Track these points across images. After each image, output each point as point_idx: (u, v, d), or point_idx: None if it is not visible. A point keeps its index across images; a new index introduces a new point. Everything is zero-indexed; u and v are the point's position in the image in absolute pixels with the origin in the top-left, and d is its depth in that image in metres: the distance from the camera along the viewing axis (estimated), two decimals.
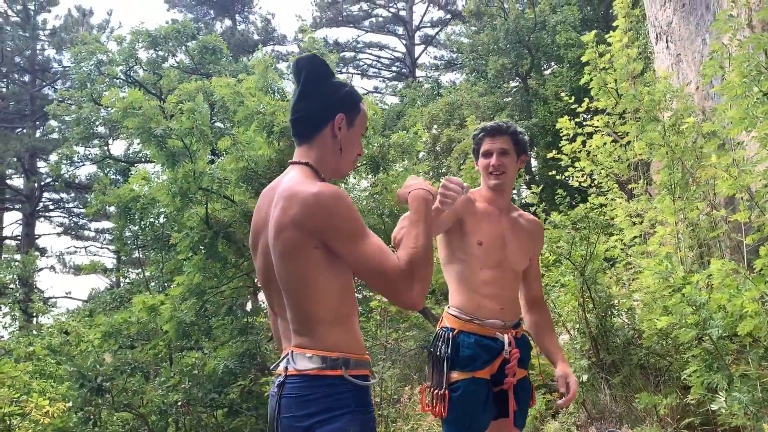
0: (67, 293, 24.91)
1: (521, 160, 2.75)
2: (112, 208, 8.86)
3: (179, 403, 6.21)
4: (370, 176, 7.71)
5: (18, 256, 18.04)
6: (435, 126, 18.63)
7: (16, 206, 23.30)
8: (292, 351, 1.70)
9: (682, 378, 4.30)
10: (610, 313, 5.15)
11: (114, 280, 19.79)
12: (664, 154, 5.58)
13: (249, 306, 8.54)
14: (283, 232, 1.66)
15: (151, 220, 7.97)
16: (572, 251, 5.04)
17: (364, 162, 7.31)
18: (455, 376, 2.52)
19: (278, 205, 1.70)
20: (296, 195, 1.65)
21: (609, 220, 6.35)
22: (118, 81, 13.39)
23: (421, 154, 19.52)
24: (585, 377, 4.88)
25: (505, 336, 2.59)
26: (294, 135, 1.87)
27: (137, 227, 8.35)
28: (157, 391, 6.37)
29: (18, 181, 24.24)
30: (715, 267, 3.61)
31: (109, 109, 8.27)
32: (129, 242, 9.63)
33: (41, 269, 23.00)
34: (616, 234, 6.76)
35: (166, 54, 13.38)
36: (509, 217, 2.74)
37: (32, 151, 21.31)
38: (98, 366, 6.19)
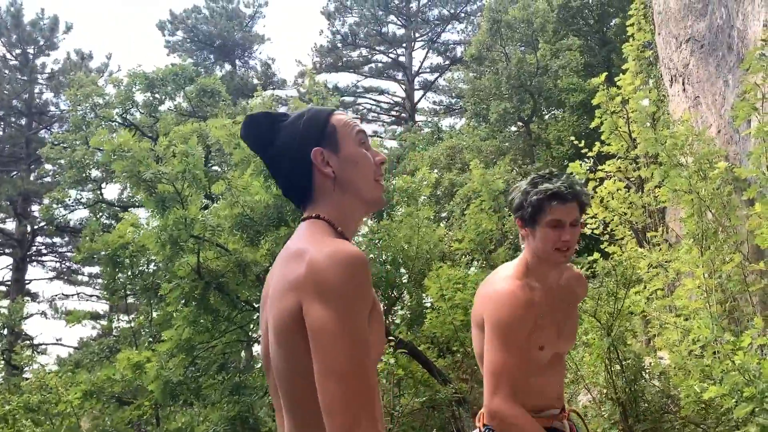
0: (57, 340, 24.15)
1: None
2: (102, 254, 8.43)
3: None
4: (371, 222, 7.31)
5: (5, 302, 17.47)
6: (436, 170, 18.38)
7: (7, 251, 22.78)
8: None
9: None
10: (640, 376, 4.67)
11: (106, 326, 19.17)
12: (690, 202, 5.20)
13: (243, 361, 8.02)
14: (278, 302, 1.27)
15: (141, 268, 7.51)
16: (597, 308, 4.59)
17: None
18: None
19: (279, 268, 1.33)
20: (304, 254, 1.26)
21: (633, 271, 5.94)
22: (114, 124, 13.12)
23: (422, 198, 19.16)
24: None
25: (565, 422, 2.18)
26: (297, 207, 1.50)
27: (126, 275, 7.88)
28: None
29: (11, 225, 23.81)
30: None
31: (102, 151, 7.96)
32: (119, 290, 9.14)
33: (31, 315, 22.35)
34: (637, 286, 6.34)
35: (163, 97, 13.15)
36: (560, 290, 2.25)
37: (25, 194, 20.95)
38: None
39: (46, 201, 16.24)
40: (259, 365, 6.78)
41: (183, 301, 6.59)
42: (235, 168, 6.42)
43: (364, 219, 7.53)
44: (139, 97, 13.01)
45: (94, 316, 15.99)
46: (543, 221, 2.11)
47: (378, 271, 7.91)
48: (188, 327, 6.29)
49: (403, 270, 8.64)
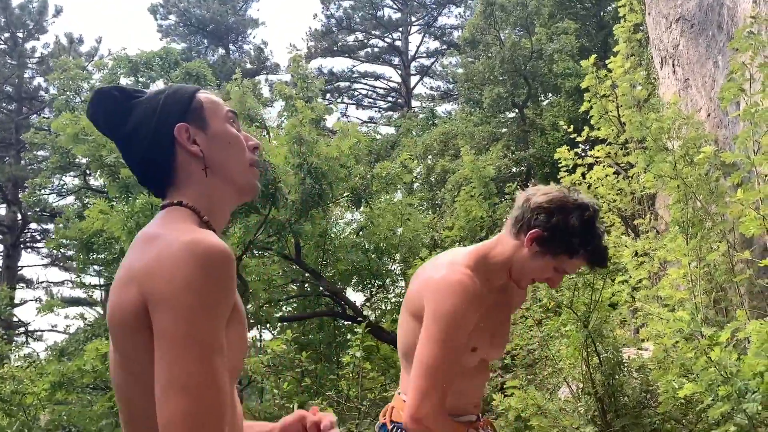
0: (53, 326, 24.01)
1: None
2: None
3: None
4: (352, 209, 7.10)
5: None
6: (429, 156, 18.15)
7: None
8: None
9: None
10: (618, 370, 4.47)
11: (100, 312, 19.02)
12: (676, 188, 4.99)
13: None
14: (118, 293, 1.08)
15: (115, 255, 7.28)
16: (574, 299, 4.38)
17: (344, 195, 6.70)
18: None
19: (128, 254, 1.14)
20: (155, 240, 1.08)
21: (613, 260, 5.73)
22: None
23: (415, 185, 19.00)
24: None
25: None
26: (156, 195, 1.28)
27: (100, 261, 7.65)
28: None
29: (1, 211, 23.64)
30: (752, 327, 2.95)
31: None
32: (92, 276, 8.92)
33: (26, 302, 22.22)
34: (621, 275, 6.15)
35: (148, 81, 12.88)
36: (500, 293, 1.98)
37: (14, 180, 20.71)
38: (26, 429, 5.41)
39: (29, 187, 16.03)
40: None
41: None
42: None
43: (344, 207, 7.24)
44: (124, 81, 12.75)
45: (82, 303, 15.80)
46: (558, 260, 1.81)
47: (360, 259, 7.72)
48: None
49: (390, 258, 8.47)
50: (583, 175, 7.65)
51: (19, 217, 21.91)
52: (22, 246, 22.11)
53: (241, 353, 1.17)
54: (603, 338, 4.49)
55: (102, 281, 8.75)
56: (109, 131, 1.27)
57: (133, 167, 1.26)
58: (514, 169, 15.96)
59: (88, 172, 13.25)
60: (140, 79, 12.89)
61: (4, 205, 23.25)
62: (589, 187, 7.70)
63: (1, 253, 22.85)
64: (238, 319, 1.13)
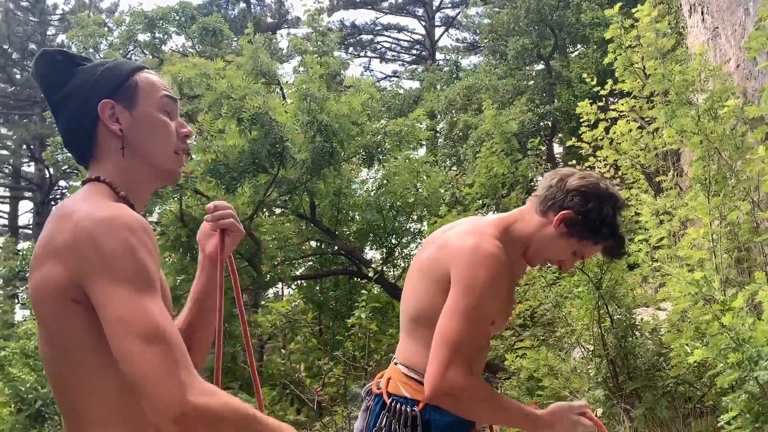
0: None
1: None
2: None
3: None
4: (365, 169, 6.97)
5: (26, 245, 17.68)
6: (452, 111, 17.81)
7: (27, 195, 23.08)
8: None
9: (718, 416, 3.53)
10: (631, 332, 4.36)
11: None
12: (698, 144, 4.78)
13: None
14: (38, 268, 1.12)
15: None
16: (585, 260, 4.25)
17: (357, 153, 6.56)
18: None
19: (44, 229, 1.16)
20: (71, 215, 1.11)
21: (633, 219, 5.56)
22: None
23: (439, 141, 18.70)
24: (600, 411, 4.11)
25: None
26: (79, 163, 1.33)
27: None
28: None
29: (31, 170, 24.04)
30: (765, 293, 2.81)
31: None
32: None
33: None
34: (641, 234, 5.98)
35: (164, 36, 12.74)
36: (515, 268, 1.91)
37: (40, 138, 20.96)
38: (39, 388, 5.50)
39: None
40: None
41: (172, 250, 6.42)
42: (206, 111, 6.09)
43: (358, 165, 7.12)
44: (141, 37, 12.63)
45: None
46: (582, 244, 1.80)
47: (376, 219, 7.64)
48: (172, 276, 6.13)
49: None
50: (606, 129, 7.41)
51: (48, 174, 22.26)
52: (51, 203, 22.49)
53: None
54: (616, 300, 4.37)
55: None
56: (45, 93, 1.28)
57: (60, 132, 1.29)
58: (540, 124, 15.60)
59: None
60: (157, 35, 12.76)
61: (33, 163, 23.63)
62: (611, 142, 7.47)
63: (32, 210, 23.33)
64: (162, 292, 1.16)
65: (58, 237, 1.09)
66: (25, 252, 14.34)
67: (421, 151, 16.58)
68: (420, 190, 7.66)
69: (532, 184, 10.11)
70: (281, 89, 7.62)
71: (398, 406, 1.77)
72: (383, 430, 1.78)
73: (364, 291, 4.41)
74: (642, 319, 4.54)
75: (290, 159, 5.69)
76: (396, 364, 1.85)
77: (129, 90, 1.26)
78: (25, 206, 24.53)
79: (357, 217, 7.43)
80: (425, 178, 8.12)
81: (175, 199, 6.02)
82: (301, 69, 8.86)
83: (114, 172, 1.23)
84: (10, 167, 23.53)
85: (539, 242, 1.80)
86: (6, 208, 24.22)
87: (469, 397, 1.64)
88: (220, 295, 1.39)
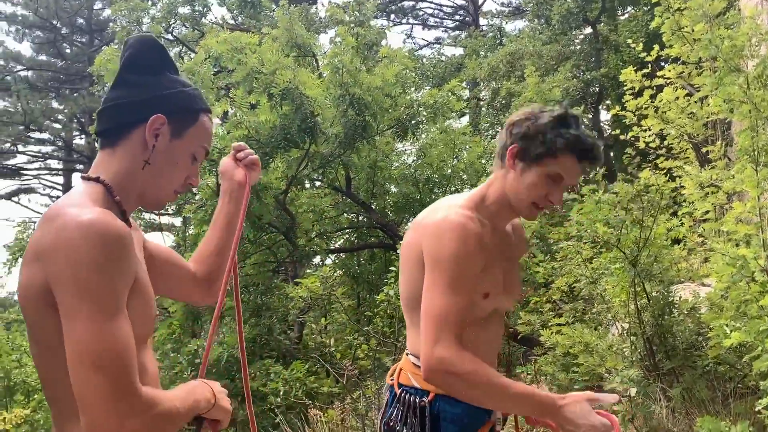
0: None
1: None
2: None
3: None
4: (405, 140, 6.88)
5: None
6: (495, 78, 17.43)
7: (79, 167, 23.79)
8: None
9: (760, 398, 3.40)
10: (669, 311, 4.22)
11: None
12: (747, 113, 4.54)
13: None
14: (26, 269, 1.16)
15: None
16: (621, 237, 4.11)
17: (391, 126, 6.47)
18: None
19: (35, 232, 1.20)
20: (57, 218, 1.14)
21: (676, 192, 5.35)
22: (162, 40, 12.95)
23: (483, 110, 18.35)
24: (633, 391, 4.02)
25: None
26: (96, 134, 1.34)
27: None
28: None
29: (82, 142, 24.71)
30: None
31: None
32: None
33: None
34: (685, 207, 5.76)
35: (204, 9, 12.78)
36: (506, 237, 1.88)
37: (89, 111, 21.49)
38: None
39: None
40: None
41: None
42: (237, 86, 6.08)
43: (392, 138, 7.03)
44: (181, 10, 12.69)
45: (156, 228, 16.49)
46: (545, 166, 1.71)
47: (412, 191, 7.57)
48: None
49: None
50: (652, 97, 7.12)
51: (97, 147, 22.85)
52: None
53: (147, 319, 1.23)
54: (653, 277, 4.23)
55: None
56: (123, 66, 1.30)
57: (103, 101, 1.31)
58: (587, 90, 15.12)
59: None
60: (197, 8, 12.81)
61: (84, 136, 24.29)
62: (656, 110, 7.19)
63: None
64: (140, 290, 1.18)
65: (42, 240, 1.12)
66: None
67: (464, 120, 16.28)
68: (457, 162, 7.53)
69: None
70: (316, 61, 7.55)
71: (408, 397, 1.76)
72: (394, 422, 1.77)
73: (392, 268, 4.40)
74: (680, 296, 4.39)
75: (321, 134, 5.67)
76: (407, 354, 1.84)
77: (186, 123, 1.31)
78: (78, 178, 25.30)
79: (393, 189, 7.38)
80: (465, 149, 7.98)
81: (213, 173, 6.09)
82: (338, 40, 8.78)
83: (121, 173, 1.26)
84: (62, 140, 24.25)
85: (511, 190, 1.75)
86: (60, 180, 25.04)
87: (463, 371, 1.58)
88: (242, 217, 1.60)
